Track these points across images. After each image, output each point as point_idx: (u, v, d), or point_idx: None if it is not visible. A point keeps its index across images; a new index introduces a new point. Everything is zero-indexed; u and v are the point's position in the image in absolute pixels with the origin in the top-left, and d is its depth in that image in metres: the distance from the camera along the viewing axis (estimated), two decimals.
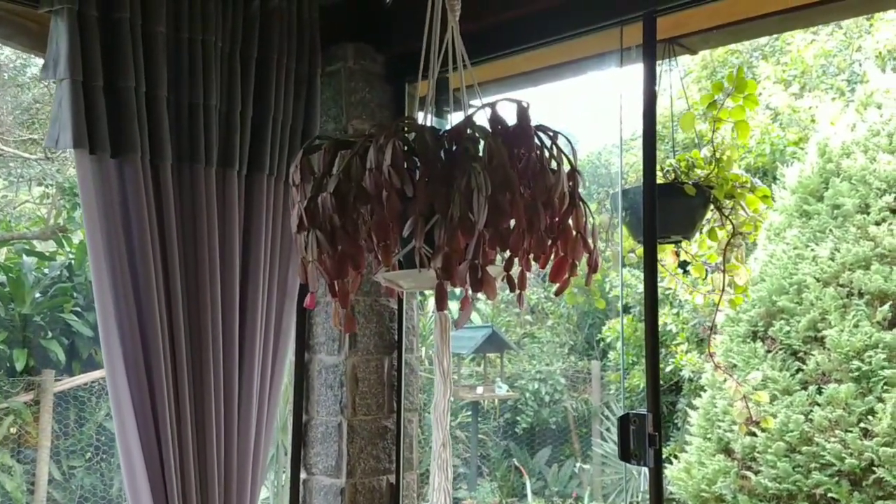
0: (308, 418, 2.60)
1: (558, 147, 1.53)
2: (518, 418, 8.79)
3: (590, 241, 1.57)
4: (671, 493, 5.08)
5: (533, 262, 1.56)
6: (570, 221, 1.54)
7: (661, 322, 7.60)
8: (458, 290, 1.72)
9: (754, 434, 4.37)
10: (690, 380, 6.39)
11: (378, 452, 2.55)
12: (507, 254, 1.45)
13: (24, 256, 6.57)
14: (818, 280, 4.41)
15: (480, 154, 1.45)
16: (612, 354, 8.29)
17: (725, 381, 4.75)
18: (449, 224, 1.37)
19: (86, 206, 2.02)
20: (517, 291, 1.53)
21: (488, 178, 1.39)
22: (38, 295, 6.28)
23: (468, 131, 1.50)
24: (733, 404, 3.42)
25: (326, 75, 2.59)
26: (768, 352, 4.61)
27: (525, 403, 8.83)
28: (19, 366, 5.96)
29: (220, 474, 2.20)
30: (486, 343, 7.59)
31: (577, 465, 8.56)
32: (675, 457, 5.22)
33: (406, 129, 1.52)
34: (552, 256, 1.56)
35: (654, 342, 1.95)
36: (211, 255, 2.20)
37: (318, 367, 2.58)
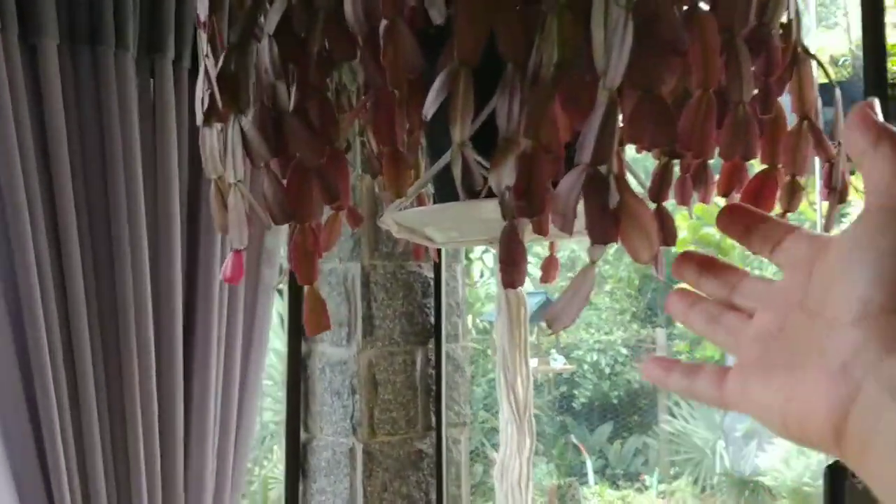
0: (307, 438, 1.82)
1: None
2: (575, 392, 8.34)
3: (827, 138, 0.74)
4: None
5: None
6: (788, 93, 0.71)
7: None
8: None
9: None
10: None
11: (410, 490, 1.77)
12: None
13: None
14: None
15: None
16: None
17: None
18: (534, 83, 0.57)
19: None
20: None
21: None
22: None
23: None
24: None
25: None
26: None
27: (583, 376, 8.37)
28: None
29: None
30: (540, 311, 7.18)
31: (643, 441, 8.06)
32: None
33: None
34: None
35: None
36: (131, 195, 1.38)
37: (319, 364, 1.78)
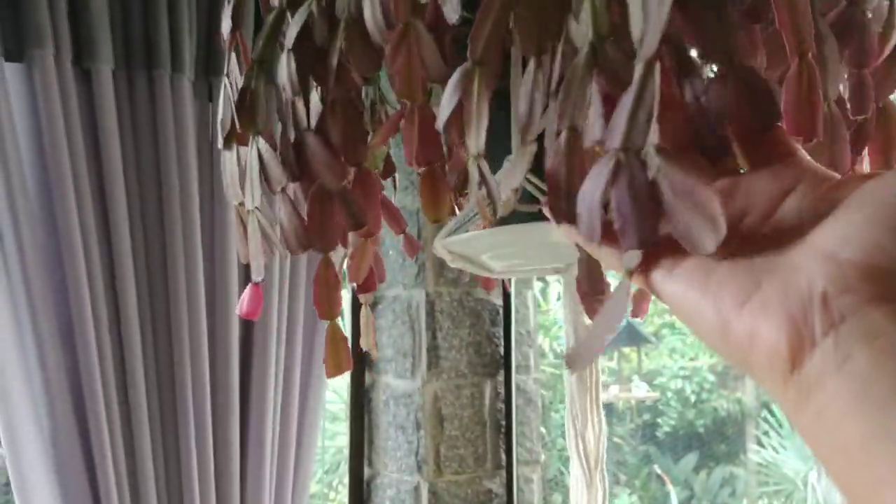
0: (371, 474, 1.73)
1: None
2: (659, 420, 8.10)
3: None
4: None
5: None
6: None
7: None
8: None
9: None
10: None
11: None
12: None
13: None
14: None
15: None
16: None
17: None
18: (556, 73, 0.47)
19: None
20: None
21: None
22: None
23: None
24: None
25: None
26: None
27: (667, 404, 8.12)
28: None
29: None
30: (620, 336, 7.05)
31: (730, 472, 7.81)
32: None
33: None
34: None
35: None
36: (187, 219, 1.35)
37: (383, 397, 1.70)
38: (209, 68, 1.39)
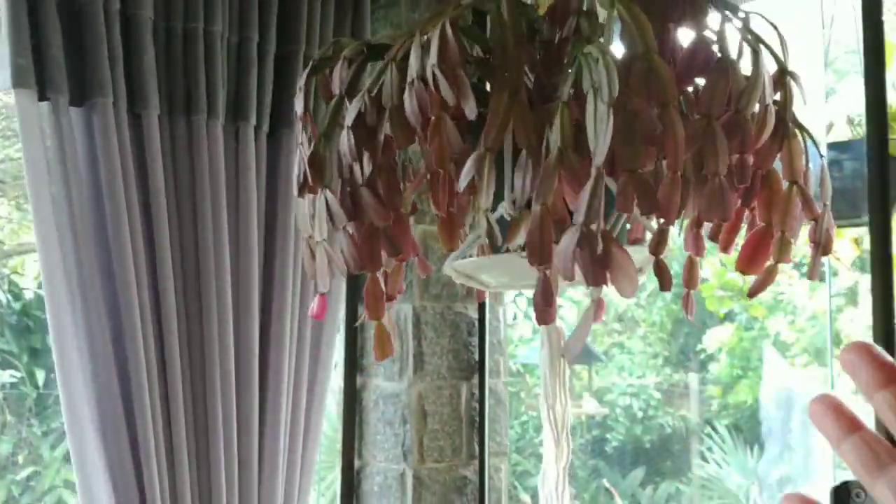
0: (361, 465, 1.96)
1: (751, 33, 0.83)
2: (608, 435, 8.20)
3: (816, 200, 0.88)
4: None
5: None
6: (780, 162, 0.84)
7: (772, 331, 6.83)
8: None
9: None
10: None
11: None
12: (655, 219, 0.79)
13: None
14: None
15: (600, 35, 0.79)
16: (713, 367, 7.66)
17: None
18: (540, 163, 0.74)
19: (32, 178, 1.41)
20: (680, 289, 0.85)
21: (614, 73, 0.71)
22: None
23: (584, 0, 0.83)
24: None
25: (383, 6, 1.95)
26: None
27: (615, 419, 8.24)
28: None
29: None
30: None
31: (675, 487, 7.87)
32: None
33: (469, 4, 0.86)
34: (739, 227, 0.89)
35: None
36: (218, 244, 1.57)
37: (373, 396, 1.94)
38: (237, 115, 1.64)
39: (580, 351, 0.70)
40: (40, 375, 5.61)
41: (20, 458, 5.45)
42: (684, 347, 8.88)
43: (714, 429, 7.33)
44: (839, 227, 1.98)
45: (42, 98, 1.43)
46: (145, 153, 1.52)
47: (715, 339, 7.37)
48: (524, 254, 0.86)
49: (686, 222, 0.83)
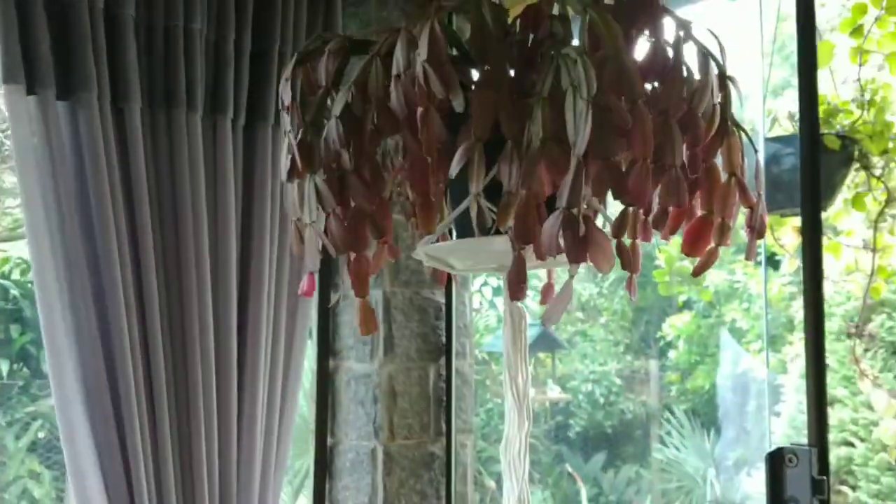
0: (334, 442, 2.05)
1: (696, 42, 0.94)
2: (571, 421, 8.33)
3: (752, 189, 0.99)
4: None
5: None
6: (720, 156, 0.95)
7: (728, 318, 7.01)
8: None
9: (851, 444, 3.93)
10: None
11: (423, 486, 1.99)
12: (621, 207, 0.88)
13: None
14: None
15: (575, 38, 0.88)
16: (672, 353, 7.81)
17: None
18: (526, 154, 0.82)
19: (21, 168, 1.48)
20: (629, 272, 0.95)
21: (592, 71, 0.80)
22: None
23: (555, 6, 0.93)
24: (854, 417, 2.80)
25: (353, 4, 2.03)
26: (866, 350, 4.09)
27: (578, 406, 8.35)
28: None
29: None
30: (537, 342, 7.22)
31: (635, 470, 8.02)
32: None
33: (452, 6, 0.95)
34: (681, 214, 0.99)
35: (817, 353, 1.35)
36: (197, 231, 1.65)
37: (345, 378, 2.03)
38: (215, 108, 1.71)
39: (559, 319, 0.80)
40: (3, 366, 5.58)
41: None
42: (645, 335, 9.04)
43: (673, 413, 7.47)
44: (782, 216, 2.11)
45: (30, 92, 1.49)
46: (128, 144, 1.59)
47: (674, 326, 7.53)
48: (498, 238, 0.95)
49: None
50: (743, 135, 0.98)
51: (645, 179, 0.81)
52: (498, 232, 0.88)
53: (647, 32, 0.89)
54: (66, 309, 1.51)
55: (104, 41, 1.55)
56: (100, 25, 1.54)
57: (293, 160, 0.96)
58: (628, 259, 0.87)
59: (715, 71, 0.92)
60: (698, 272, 0.99)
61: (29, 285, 5.73)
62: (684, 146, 0.89)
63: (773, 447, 1.40)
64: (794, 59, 1.39)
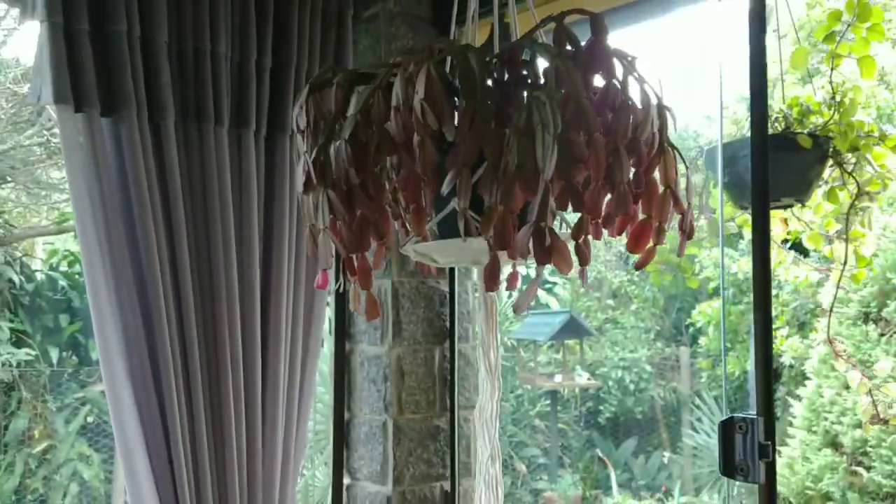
0: (350, 416, 2.27)
1: (639, 76, 1.13)
2: (601, 407, 8.51)
3: (682, 198, 1.17)
4: None
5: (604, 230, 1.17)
6: (657, 173, 1.14)
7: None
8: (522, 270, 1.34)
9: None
10: (791, 367, 5.85)
11: (429, 456, 2.20)
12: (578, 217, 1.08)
13: None
14: None
15: (544, 81, 1.07)
16: (702, 340, 7.86)
17: (833, 368, 4.29)
18: (503, 175, 1.01)
19: (71, 177, 1.72)
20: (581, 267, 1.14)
21: (557, 112, 1.00)
22: None
23: (526, 53, 1.13)
24: (857, 399, 2.94)
25: (364, 21, 2.24)
26: (882, 335, 4.16)
27: (608, 392, 8.52)
28: (95, 354, 5.83)
29: (241, 485, 1.89)
30: (564, 329, 7.33)
31: (667, 456, 8.19)
32: (777, 452, 4.74)
33: (443, 52, 1.15)
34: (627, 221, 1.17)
35: (765, 329, 1.52)
36: (225, 231, 1.88)
37: (359, 359, 2.25)
38: (240, 121, 1.94)
39: (527, 309, 1.00)
40: (54, 353, 5.90)
41: (36, 433, 5.76)
42: (676, 322, 9.08)
43: (703, 400, 7.56)
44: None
45: (78, 111, 1.72)
46: (164, 156, 1.82)
47: (704, 313, 7.55)
48: (477, 241, 1.13)
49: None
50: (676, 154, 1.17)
51: (599, 196, 1.01)
52: (476, 234, 1.07)
53: (602, 76, 1.09)
54: (114, 303, 1.75)
55: (141, 64, 1.78)
56: (137, 50, 1.77)
57: (308, 175, 1.14)
58: (585, 257, 1.07)
59: (654, 101, 1.11)
60: (640, 266, 1.19)
61: (77, 276, 6.06)
62: (631, 166, 1.09)
63: (725, 416, 1.58)
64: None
